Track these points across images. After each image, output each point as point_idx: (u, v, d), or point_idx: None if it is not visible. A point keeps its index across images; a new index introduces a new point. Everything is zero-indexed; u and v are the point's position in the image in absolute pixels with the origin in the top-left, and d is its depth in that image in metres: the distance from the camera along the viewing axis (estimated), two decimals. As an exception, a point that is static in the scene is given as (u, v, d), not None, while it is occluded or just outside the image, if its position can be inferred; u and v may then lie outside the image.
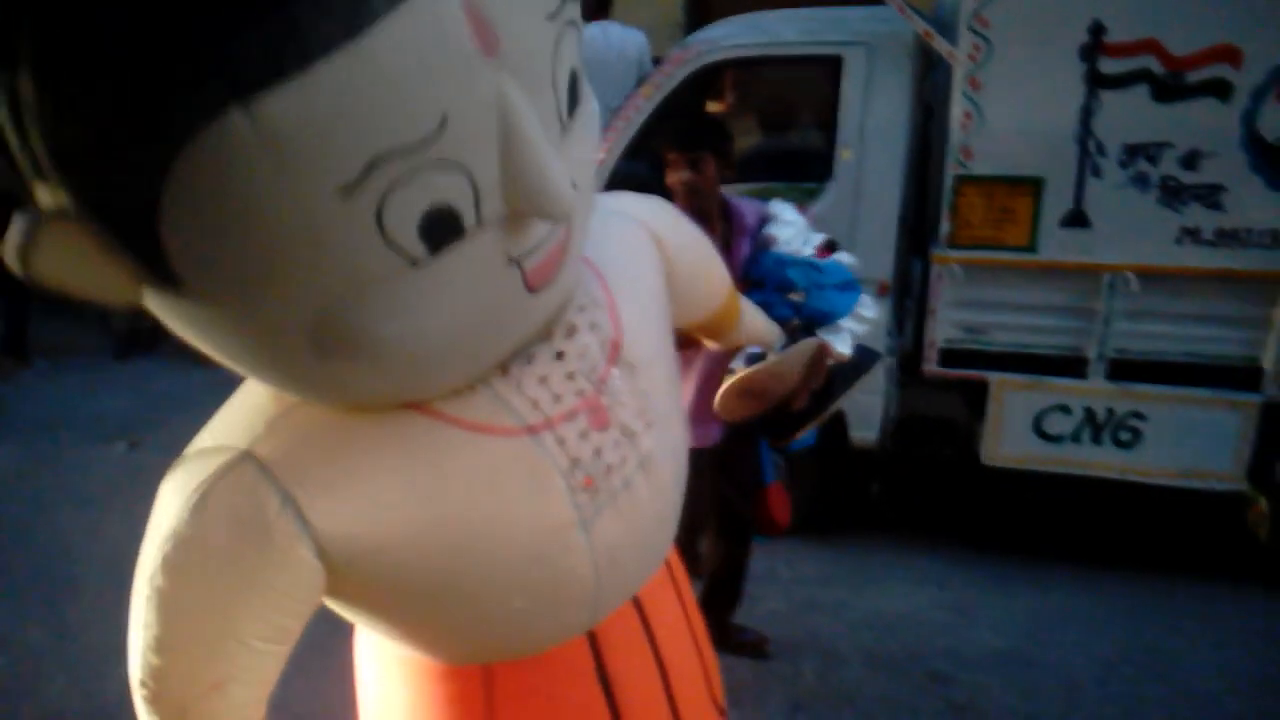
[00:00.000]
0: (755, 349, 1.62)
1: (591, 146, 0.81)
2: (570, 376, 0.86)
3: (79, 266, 0.63)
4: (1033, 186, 3.25)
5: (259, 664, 0.80)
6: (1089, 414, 3.40)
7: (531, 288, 0.75)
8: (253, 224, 0.60)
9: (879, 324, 3.16)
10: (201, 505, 0.75)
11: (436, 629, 0.91)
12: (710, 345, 1.50)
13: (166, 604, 0.76)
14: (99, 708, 2.76)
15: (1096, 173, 3.19)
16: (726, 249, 2.56)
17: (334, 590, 0.83)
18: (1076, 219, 3.25)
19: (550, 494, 0.84)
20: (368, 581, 0.82)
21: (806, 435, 2.40)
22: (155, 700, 0.80)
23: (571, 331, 0.87)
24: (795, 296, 2.47)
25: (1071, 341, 3.38)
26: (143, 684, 0.80)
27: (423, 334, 0.71)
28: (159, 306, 0.71)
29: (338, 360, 0.71)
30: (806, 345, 1.64)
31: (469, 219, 0.66)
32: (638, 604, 1.00)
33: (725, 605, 2.98)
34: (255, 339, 0.72)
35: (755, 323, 1.52)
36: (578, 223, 0.79)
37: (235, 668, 0.79)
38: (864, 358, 1.91)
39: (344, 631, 1.06)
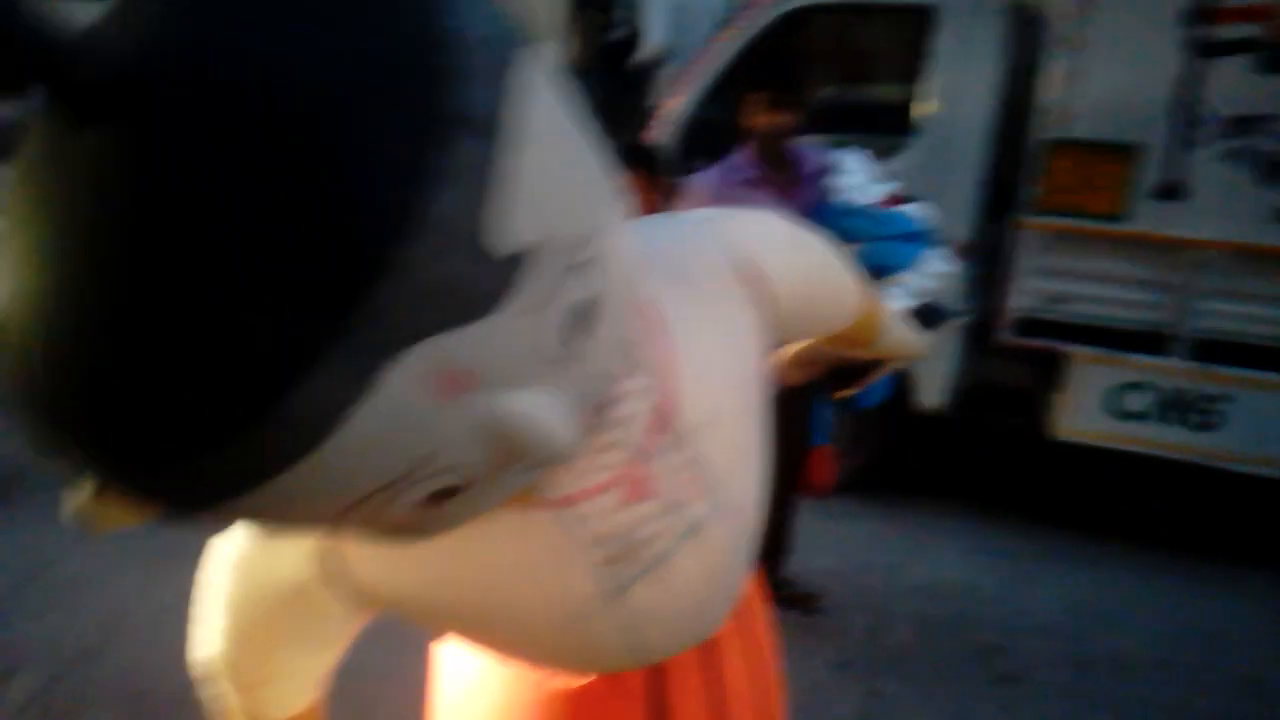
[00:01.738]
0: None
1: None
2: (605, 448, 0.80)
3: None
4: (1125, 154, 3.14)
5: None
6: (1167, 393, 3.30)
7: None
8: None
9: (953, 285, 3.10)
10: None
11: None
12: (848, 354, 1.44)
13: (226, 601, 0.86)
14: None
15: (1193, 143, 3.07)
16: (786, 195, 2.53)
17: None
18: (1169, 190, 3.13)
19: (570, 568, 0.82)
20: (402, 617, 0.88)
21: (872, 392, 2.37)
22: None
23: (609, 401, 0.80)
24: (851, 247, 2.42)
25: (1154, 317, 3.28)
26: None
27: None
28: None
29: None
30: None
31: (466, 484, 0.63)
32: (709, 648, 1.00)
33: (773, 557, 2.98)
34: None
35: (902, 337, 1.38)
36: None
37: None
38: (931, 314, 1.87)
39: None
